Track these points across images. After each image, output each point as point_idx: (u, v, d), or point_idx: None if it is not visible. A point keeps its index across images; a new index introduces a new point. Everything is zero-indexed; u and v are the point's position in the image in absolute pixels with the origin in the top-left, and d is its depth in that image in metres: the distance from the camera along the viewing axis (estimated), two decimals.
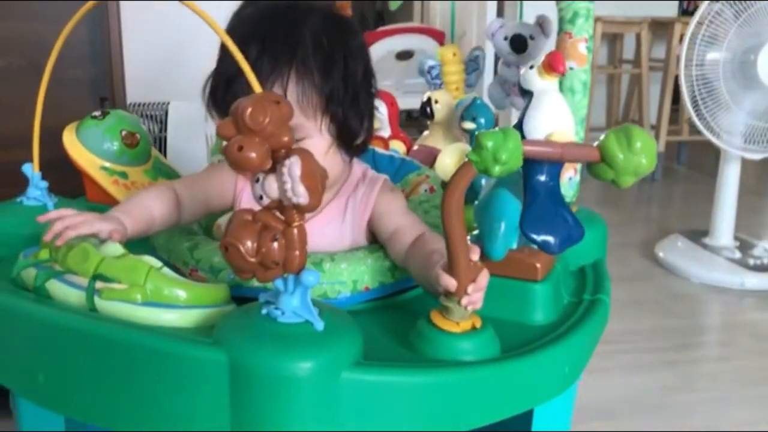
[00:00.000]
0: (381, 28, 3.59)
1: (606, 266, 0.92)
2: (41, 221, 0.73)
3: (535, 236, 0.64)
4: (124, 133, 1.00)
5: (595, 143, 0.63)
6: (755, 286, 1.96)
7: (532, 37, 1.04)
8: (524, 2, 1.20)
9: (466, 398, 0.64)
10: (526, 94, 0.68)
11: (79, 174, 1.02)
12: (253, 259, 0.61)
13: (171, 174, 1.08)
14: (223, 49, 0.85)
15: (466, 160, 0.63)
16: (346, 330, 0.62)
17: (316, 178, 0.59)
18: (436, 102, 1.07)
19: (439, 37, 3.49)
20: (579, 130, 0.92)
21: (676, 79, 3.20)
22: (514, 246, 0.78)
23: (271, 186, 0.60)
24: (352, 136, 0.83)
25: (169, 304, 0.68)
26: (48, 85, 1.28)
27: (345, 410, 0.59)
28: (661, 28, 3.19)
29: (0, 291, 0.68)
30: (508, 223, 0.76)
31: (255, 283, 0.77)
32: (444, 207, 0.64)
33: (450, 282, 0.65)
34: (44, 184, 0.91)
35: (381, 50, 3.40)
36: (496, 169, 0.60)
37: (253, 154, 0.59)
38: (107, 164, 0.99)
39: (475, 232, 0.83)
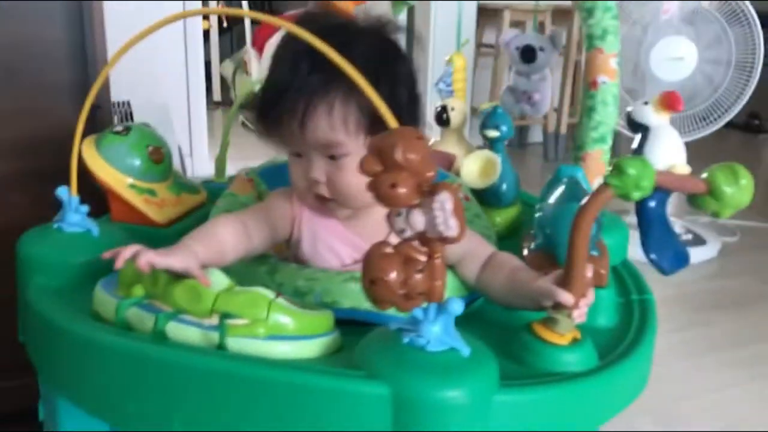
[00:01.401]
0: (291, 12, 3.53)
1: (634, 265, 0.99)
2: (107, 257, 0.70)
3: (656, 259, 0.69)
4: (150, 148, 0.96)
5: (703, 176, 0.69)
6: None
7: (542, 49, 1.09)
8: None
9: (591, 406, 0.69)
10: (639, 127, 0.72)
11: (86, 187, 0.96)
12: (401, 291, 0.62)
13: (192, 188, 1.05)
14: (275, 62, 0.84)
15: (604, 183, 0.66)
16: (484, 353, 0.65)
17: (462, 212, 0.61)
18: (453, 109, 1.10)
19: None
20: (608, 138, 0.98)
21: (576, 64, 3.40)
22: None
23: (418, 220, 0.62)
24: None
25: (289, 336, 0.68)
26: (24, 91, 1.20)
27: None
28: (562, 15, 3.36)
29: (131, 339, 0.64)
30: None
31: (345, 305, 0.79)
32: (575, 226, 0.68)
33: (567, 296, 0.69)
34: (85, 208, 0.86)
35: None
36: (636, 195, 0.65)
37: (405, 191, 0.60)
38: (134, 182, 0.95)
39: (537, 241, 0.88)
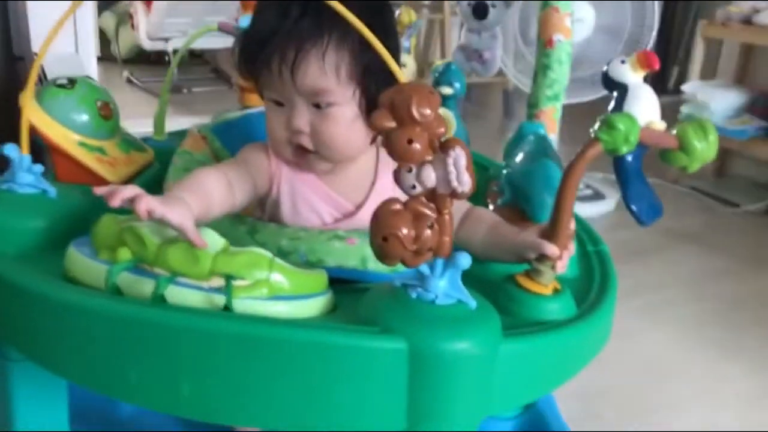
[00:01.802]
0: None
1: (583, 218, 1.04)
2: (100, 193, 0.63)
3: (636, 210, 0.73)
4: (99, 103, 0.90)
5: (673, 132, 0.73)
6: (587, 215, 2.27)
7: (493, 6, 1.10)
8: None
9: (579, 350, 0.73)
10: (616, 85, 0.75)
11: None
12: (412, 247, 0.62)
13: (140, 147, 0.99)
14: (258, 9, 0.81)
15: (594, 138, 0.69)
16: (486, 305, 0.67)
17: (472, 168, 0.62)
18: (404, 66, 1.10)
19: None
20: (561, 95, 1.02)
21: None
22: None
23: (429, 176, 0.62)
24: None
25: (288, 296, 0.67)
26: None
27: (497, 380, 0.64)
28: None
29: (139, 305, 0.61)
30: (554, 191, 0.84)
31: (330, 263, 0.78)
32: (565, 180, 0.70)
33: (553, 248, 0.72)
34: (39, 168, 0.79)
35: None
36: (624, 149, 0.68)
37: (419, 146, 0.60)
38: (83, 139, 0.89)
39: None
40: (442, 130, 0.62)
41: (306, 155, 0.81)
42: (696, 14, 4.42)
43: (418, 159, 0.61)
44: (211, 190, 0.74)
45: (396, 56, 0.84)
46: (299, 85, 0.77)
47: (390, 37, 0.80)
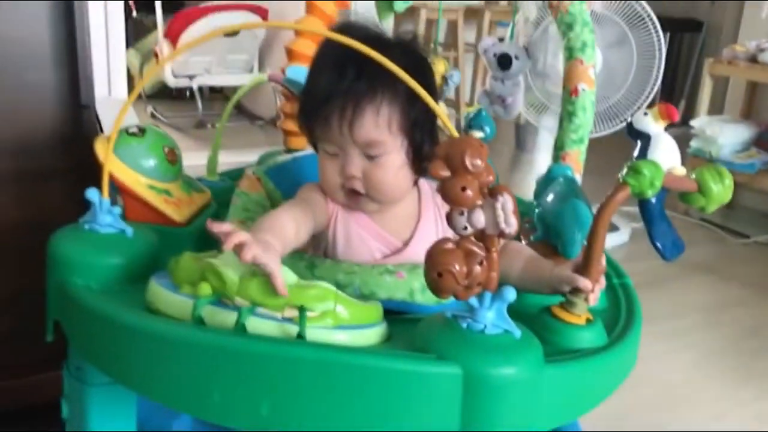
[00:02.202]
0: (206, 4, 3.49)
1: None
2: (217, 230, 0.70)
3: (660, 247, 0.80)
4: (166, 149, 0.99)
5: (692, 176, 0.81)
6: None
7: (516, 57, 1.19)
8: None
9: (611, 375, 0.80)
10: (640, 134, 0.83)
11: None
12: (465, 282, 0.70)
13: (199, 188, 1.08)
14: (314, 70, 0.90)
15: (622, 182, 0.77)
16: (529, 334, 0.74)
17: (518, 210, 0.70)
18: None
19: (263, 13, 3.50)
20: (585, 139, 1.10)
21: None
22: None
23: (479, 219, 0.70)
24: (421, 159, 0.92)
25: (348, 325, 0.74)
26: (7, 91, 1.18)
27: (539, 402, 0.72)
28: (472, 14, 3.51)
29: (223, 334, 0.69)
30: (584, 229, 0.92)
31: (382, 295, 0.86)
32: (597, 220, 0.78)
33: (586, 282, 0.80)
34: (117, 210, 0.88)
35: (208, 26, 3.33)
36: (650, 193, 0.76)
37: (471, 193, 0.68)
38: (152, 183, 0.97)
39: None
40: (491, 178, 0.70)
41: (357, 198, 0.90)
42: (702, 49, 4.54)
43: (470, 204, 0.69)
44: (287, 233, 0.81)
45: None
46: (356, 137, 0.86)
47: (433, 91, 0.89)
